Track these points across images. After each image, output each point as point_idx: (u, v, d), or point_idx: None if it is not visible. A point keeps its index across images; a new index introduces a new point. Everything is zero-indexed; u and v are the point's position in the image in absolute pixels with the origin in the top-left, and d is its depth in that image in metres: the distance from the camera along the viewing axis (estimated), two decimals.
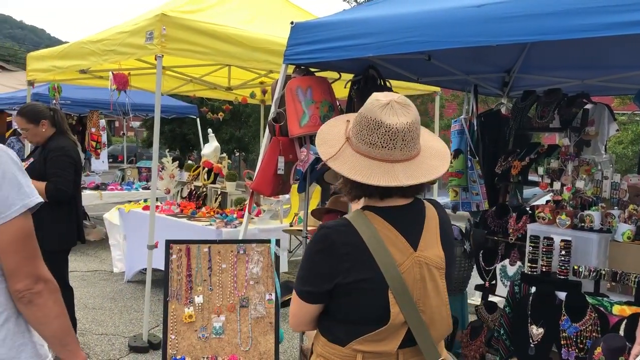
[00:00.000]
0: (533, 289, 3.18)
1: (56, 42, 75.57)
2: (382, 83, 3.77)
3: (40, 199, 1.60)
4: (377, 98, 1.65)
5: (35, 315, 1.56)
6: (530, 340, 3.00)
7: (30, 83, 7.19)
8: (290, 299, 1.85)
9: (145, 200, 6.87)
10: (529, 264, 3.27)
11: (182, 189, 6.99)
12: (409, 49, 2.87)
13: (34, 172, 3.63)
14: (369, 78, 3.72)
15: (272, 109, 3.68)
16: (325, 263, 1.64)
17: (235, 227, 5.47)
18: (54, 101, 6.98)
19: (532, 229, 3.43)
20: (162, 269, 3.42)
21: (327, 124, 1.83)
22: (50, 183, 3.76)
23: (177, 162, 6.90)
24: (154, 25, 4.45)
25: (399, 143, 1.61)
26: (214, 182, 6.54)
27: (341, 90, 3.83)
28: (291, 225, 6.40)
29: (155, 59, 4.51)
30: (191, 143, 21.35)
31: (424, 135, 1.75)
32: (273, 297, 3.29)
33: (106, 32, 5.50)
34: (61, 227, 3.90)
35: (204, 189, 6.64)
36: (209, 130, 7.52)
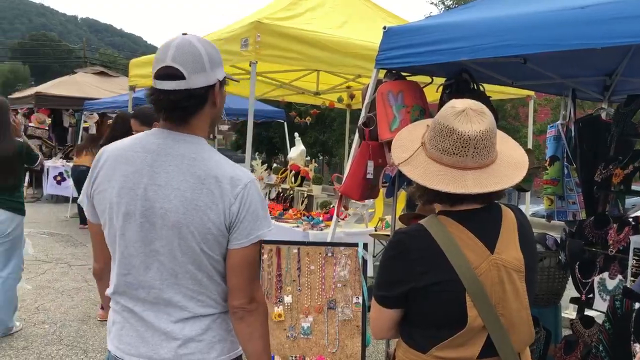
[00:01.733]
0: (637, 305, 3.00)
1: (152, 49, 79.65)
2: (475, 87, 3.69)
3: (272, 230, 1.72)
4: (452, 105, 1.65)
5: (243, 331, 1.70)
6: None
7: (132, 88, 7.59)
8: None
9: None
10: (632, 278, 3.10)
11: (270, 190, 7.16)
12: (507, 52, 2.79)
13: None
14: (462, 82, 3.65)
15: (363, 114, 3.70)
16: (399, 268, 1.66)
17: (321, 229, 5.53)
18: None
19: (636, 241, 3.24)
20: None
21: (406, 128, 1.84)
22: None
23: (266, 164, 7.09)
24: (249, 32, 4.60)
25: (470, 150, 1.59)
26: (300, 185, 6.66)
27: (432, 93, 3.79)
28: (376, 230, 6.39)
29: (250, 65, 4.67)
30: (277, 146, 21.84)
31: (506, 143, 1.72)
32: (360, 300, 3.30)
33: None
34: None
35: (291, 192, 6.78)
36: (296, 134, 7.67)
